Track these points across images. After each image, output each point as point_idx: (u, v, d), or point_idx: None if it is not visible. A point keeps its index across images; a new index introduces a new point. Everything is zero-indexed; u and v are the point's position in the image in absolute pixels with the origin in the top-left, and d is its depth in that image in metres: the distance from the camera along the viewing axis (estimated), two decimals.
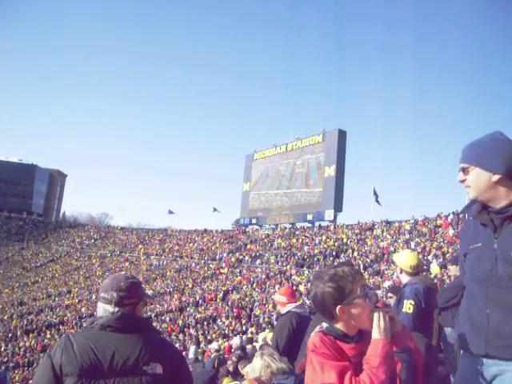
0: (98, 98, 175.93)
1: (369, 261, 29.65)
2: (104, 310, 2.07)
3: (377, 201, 41.56)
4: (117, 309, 2.04)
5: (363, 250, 32.74)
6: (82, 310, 36.09)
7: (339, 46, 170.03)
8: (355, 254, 32.46)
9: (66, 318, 34.47)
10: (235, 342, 12.68)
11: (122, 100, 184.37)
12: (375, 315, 1.69)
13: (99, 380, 1.85)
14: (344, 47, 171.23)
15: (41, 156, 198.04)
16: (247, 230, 51.39)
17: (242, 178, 56.15)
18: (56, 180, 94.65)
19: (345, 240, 36.64)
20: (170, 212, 61.39)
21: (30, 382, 20.86)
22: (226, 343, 15.54)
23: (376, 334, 1.67)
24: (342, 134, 45.25)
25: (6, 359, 26.27)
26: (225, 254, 43.15)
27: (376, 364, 1.61)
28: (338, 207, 43.55)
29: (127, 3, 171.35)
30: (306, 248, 38.07)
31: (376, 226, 37.23)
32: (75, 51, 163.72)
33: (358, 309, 1.74)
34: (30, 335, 31.09)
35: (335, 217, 43.29)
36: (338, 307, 1.74)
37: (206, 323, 26.61)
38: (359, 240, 35.74)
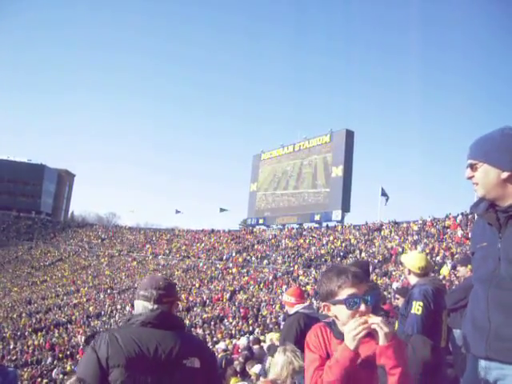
0: (104, 97, 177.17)
1: (376, 261, 29.55)
2: (143, 307, 2.17)
3: (386, 202, 41.43)
4: (156, 306, 2.15)
5: (371, 251, 32.64)
6: (90, 309, 36.27)
7: (347, 46, 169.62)
8: (363, 254, 32.35)
9: (73, 317, 34.63)
10: (242, 342, 12.68)
11: (127, 99, 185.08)
12: (350, 322, 1.72)
13: (145, 371, 1.94)
14: (351, 47, 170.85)
15: (49, 156, 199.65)
16: (254, 230, 51.37)
17: (249, 178, 56.24)
18: (64, 180, 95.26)
19: (352, 241, 36.54)
20: (177, 211, 61.58)
21: (38, 380, 21.02)
22: (233, 343, 15.55)
23: (345, 339, 1.71)
24: (350, 134, 45.08)
25: (14, 357, 26.47)
26: (233, 254, 43.19)
27: (330, 364, 1.71)
28: (345, 207, 43.43)
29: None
30: (313, 248, 38.01)
31: (384, 227, 37.12)
32: (85, 47, 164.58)
33: (338, 312, 1.82)
34: (39, 334, 31.27)
35: (343, 217, 43.18)
36: (323, 304, 1.89)
37: (212, 323, 26.65)
38: (367, 241, 35.63)
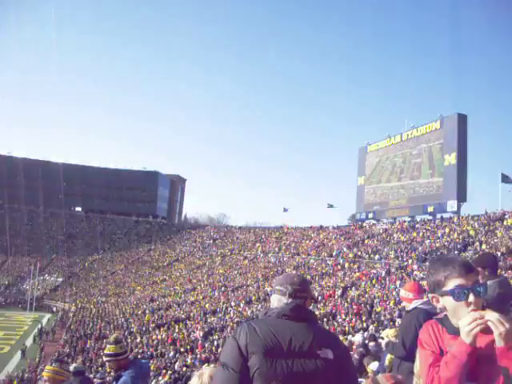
0: (207, 102, 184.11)
1: (499, 254, 27.34)
2: (279, 300, 2.31)
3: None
4: (290, 300, 2.27)
5: (492, 243, 30.37)
6: (206, 306, 37.80)
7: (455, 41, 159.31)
8: (483, 246, 30.19)
9: (192, 313, 36.39)
10: (357, 339, 12.40)
11: (233, 98, 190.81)
12: (468, 315, 1.64)
13: (281, 359, 2.04)
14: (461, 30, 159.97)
15: (161, 162, 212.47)
16: (364, 224, 50.34)
17: (356, 172, 55.17)
18: (176, 185, 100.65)
19: (471, 232, 34.23)
20: (285, 209, 62.29)
21: (163, 371, 22.32)
22: (348, 340, 15.27)
23: (461, 334, 1.64)
24: (463, 119, 42.25)
25: (141, 350, 28.46)
26: (343, 250, 42.61)
27: (447, 360, 1.65)
28: (461, 197, 40.89)
29: None
30: (427, 242, 36.23)
31: (507, 216, 34.30)
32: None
33: (447, 303, 1.77)
34: (161, 329, 33.32)
35: (459, 207, 40.73)
36: (431, 295, 1.84)
37: (325, 320, 26.45)
38: (487, 232, 33.16)
